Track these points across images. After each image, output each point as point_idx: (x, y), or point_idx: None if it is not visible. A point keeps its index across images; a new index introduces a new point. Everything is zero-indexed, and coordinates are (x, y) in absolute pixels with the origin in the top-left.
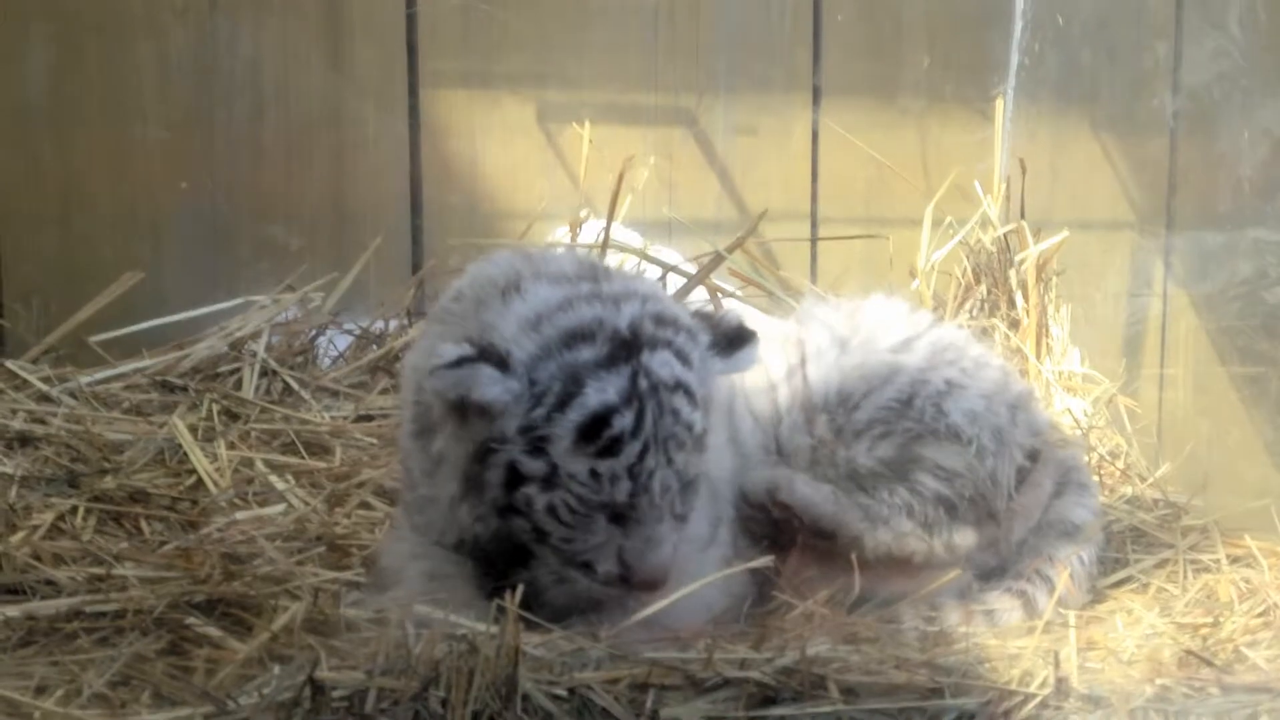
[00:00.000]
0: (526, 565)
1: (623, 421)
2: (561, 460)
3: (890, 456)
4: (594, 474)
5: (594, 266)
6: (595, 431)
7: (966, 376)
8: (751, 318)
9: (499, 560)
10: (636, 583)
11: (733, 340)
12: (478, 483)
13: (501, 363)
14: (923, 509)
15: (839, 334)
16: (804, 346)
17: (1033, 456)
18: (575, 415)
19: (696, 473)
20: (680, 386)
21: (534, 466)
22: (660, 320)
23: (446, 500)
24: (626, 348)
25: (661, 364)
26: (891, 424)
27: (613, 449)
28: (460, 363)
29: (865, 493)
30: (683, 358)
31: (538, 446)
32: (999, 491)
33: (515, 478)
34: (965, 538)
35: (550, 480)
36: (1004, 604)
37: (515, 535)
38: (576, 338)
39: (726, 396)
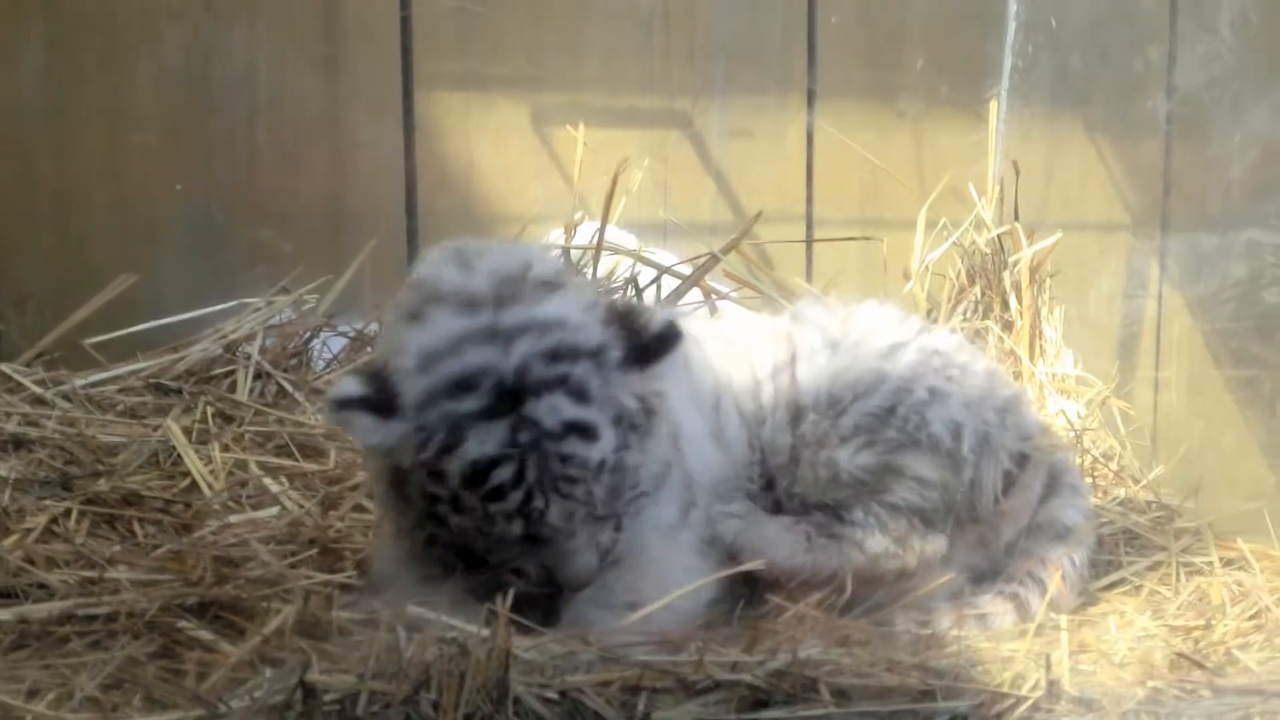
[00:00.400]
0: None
1: (502, 474)
2: (461, 495)
3: (871, 464)
4: (487, 514)
5: (505, 283)
6: (478, 480)
7: (951, 384)
8: (739, 316)
9: (457, 560)
10: (565, 587)
11: (653, 347)
12: (402, 494)
13: (387, 406)
14: (895, 524)
15: (830, 336)
16: (795, 345)
17: (1021, 460)
18: (458, 464)
19: (622, 479)
20: (571, 428)
21: (440, 491)
22: (554, 356)
23: (381, 504)
24: (509, 398)
25: (548, 411)
26: (875, 432)
27: (497, 496)
28: (344, 404)
29: (839, 517)
30: (579, 394)
31: (440, 480)
32: (981, 496)
33: (428, 497)
34: (938, 547)
35: (457, 505)
36: (996, 607)
37: (445, 541)
38: (461, 386)
39: (712, 393)
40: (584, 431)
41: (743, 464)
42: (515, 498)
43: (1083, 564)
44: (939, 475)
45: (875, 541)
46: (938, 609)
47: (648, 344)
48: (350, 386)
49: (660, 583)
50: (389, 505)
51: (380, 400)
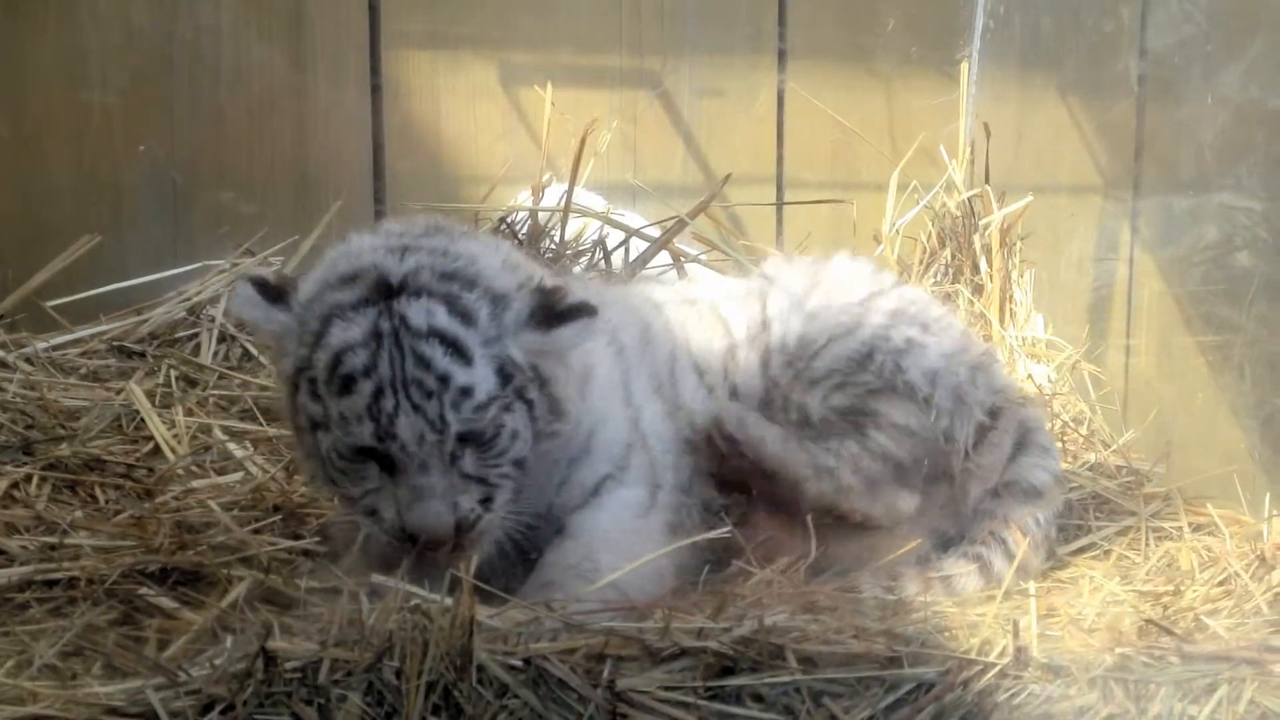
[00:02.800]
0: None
1: (355, 359)
2: (326, 402)
3: (844, 406)
4: (341, 415)
5: (434, 228)
6: (335, 371)
7: (928, 335)
8: (710, 276)
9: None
10: (415, 537)
11: (557, 315)
12: (295, 428)
13: (279, 294)
14: (869, 464)
15: (802, 286)
16: (766, 301)
17: (993, 415)
18: (323, 354)
19: (491, 433)
20: (437, 335)
21: (314, 410)
22: (447, 276)
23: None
24: (382, 291)
25: (420, 310)
26: (849, 376)
27: (348, 387)
28: (245, 279)
29: (815, 442)
30: (461, 314)
31: (313, 390)
32: (954, 450)
33: (311, 423)
34: (907, 503)
35: (326, 423)
36: (960, 568)
37: (327, 480)
38: (345, 281)
39: (668, 361)
40: (454, 347)
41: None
42: (365, 390)
43: (1049, 524)
44: (915, 422)
45: (847, 476)
46: (903, 574)
47: (557, 310)
48: (261, 271)
49: (629, 561)
50: (295, 442)
51: (275, 287)
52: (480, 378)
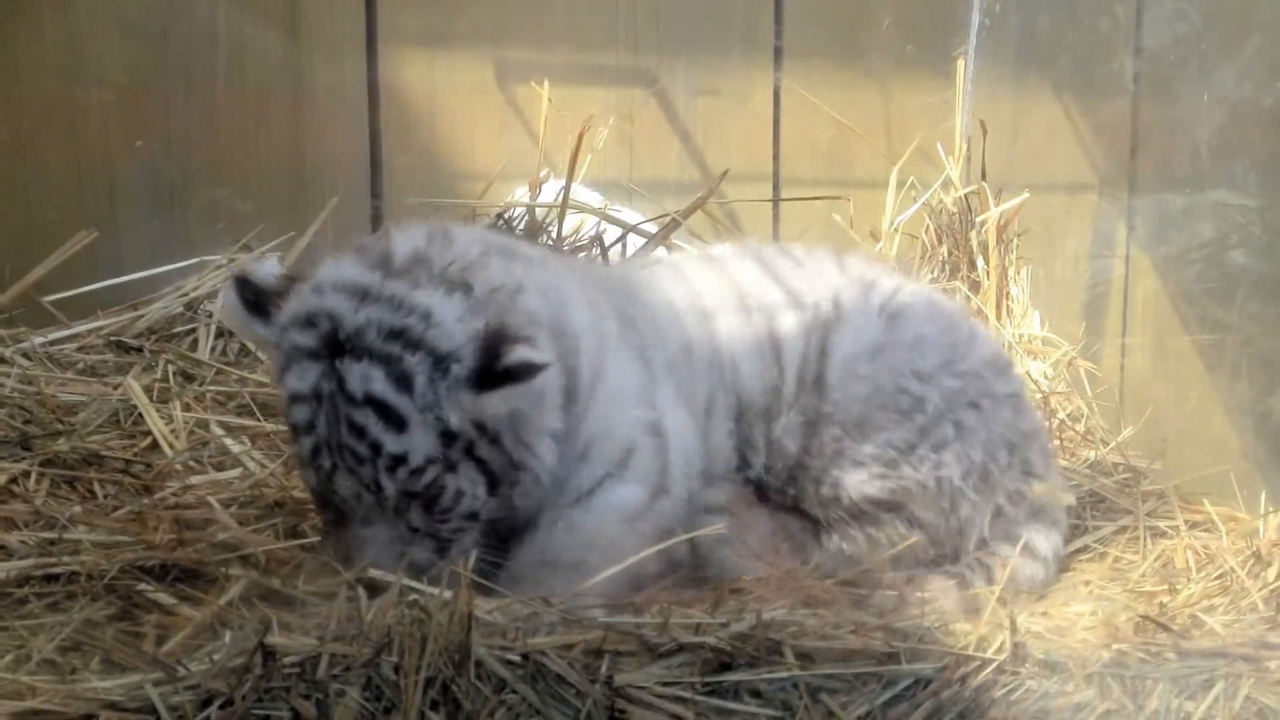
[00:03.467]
0: None
1: (300, 412)
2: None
3: (877, 498)
4: (296, 455)
5: (416, 262)
6: (289, 413)
7: (980, 417)
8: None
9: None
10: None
11: (495, 377)
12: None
13: (261, 308)
14: (868, 557)
15: (872, 340)
16: (826, 350)
17: (1016, 498)
18: (284, 390)
19: (433, 494)
20: (372, 403)
21: (288, 419)
22: (394, 335)
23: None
24: (331, 347)
25: (358, 375)
26: (890, 468)
27: (296, 435)
28: (238, 279)
29: (815, 534)
30: (399, 379)
31: (285, 404)
32: (967, 533)
33: (293, 428)
34: (889, 592)
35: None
36: (939, 583)
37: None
38: (308, 322)
39: (707, 395)
40: (388, 415)
41: (721, 464)
42: (306, 444)
43: (1035, 580)
44: (934, 517)
45: (841, 567)
46: (884, 579)
47: (493, 371)
48: (264, 271)
49: (607, 562)
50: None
51: (262, 297)
52: (416, 444)
